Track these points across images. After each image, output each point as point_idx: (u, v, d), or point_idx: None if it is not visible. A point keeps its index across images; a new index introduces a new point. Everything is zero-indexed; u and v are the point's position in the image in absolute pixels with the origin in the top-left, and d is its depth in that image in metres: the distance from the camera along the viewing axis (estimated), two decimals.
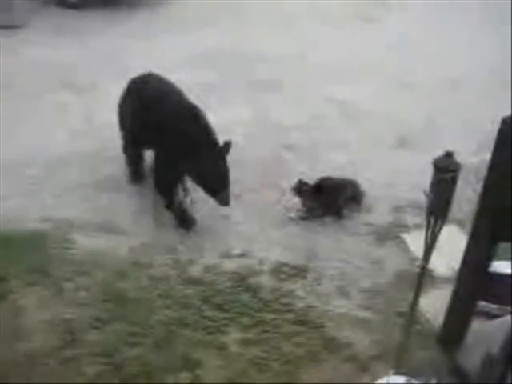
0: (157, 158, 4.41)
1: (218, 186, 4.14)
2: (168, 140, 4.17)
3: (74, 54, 6.54)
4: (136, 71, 6.17)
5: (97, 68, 6.25)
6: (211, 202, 4.23)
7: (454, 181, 2.69)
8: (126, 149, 4.70)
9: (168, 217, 4.32)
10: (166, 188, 4.32)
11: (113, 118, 4.69)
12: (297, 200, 4.47)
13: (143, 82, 4.58)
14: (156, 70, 6.03)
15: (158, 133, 4.22)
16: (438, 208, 2.75)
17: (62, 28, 7.11)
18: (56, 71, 6.10)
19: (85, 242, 4.05)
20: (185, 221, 4.27)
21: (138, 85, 4.58)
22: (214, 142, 4.16)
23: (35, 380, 3.07)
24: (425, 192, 2.73)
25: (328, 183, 4.49)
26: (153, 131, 4.26)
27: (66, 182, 4.64)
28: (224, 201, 4.15)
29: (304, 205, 4.46)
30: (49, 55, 6.43)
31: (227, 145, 4.13)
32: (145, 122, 4.32)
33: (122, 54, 6.59)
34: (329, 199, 4.44)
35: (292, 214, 4.46)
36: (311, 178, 4.49)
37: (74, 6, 7.75)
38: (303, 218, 4.43)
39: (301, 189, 4.44)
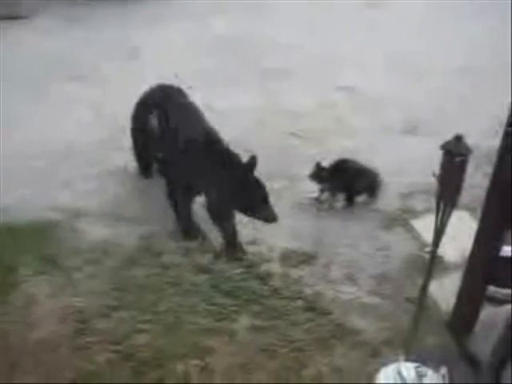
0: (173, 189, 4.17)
1: (257, 203, 3.85)
2: (189, 169, 3.95)
3: (82, 44, 6.53)
4: (145, 61, 6.23)
5: (105, 58, 6.24)
6: None
7: (463, 165, 2.66)
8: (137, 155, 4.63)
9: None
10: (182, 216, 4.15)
11: (120, 108, 4.69)
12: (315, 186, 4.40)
13: (161, 98, 4.31)
14: (166, 58, 6.05)
15: (178, 159, 4.03)
16: (447, 193, 2.73)
17: (71, 18, 7.10)
18: (64, 61, 6.10)
19: (94, 231, 4.07)
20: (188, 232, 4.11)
21: (156, 100, 4.33)
22: (238, 161, 3.90)
23: (46, 368, 3.09)
24: (434, 174, 2.70)
25: (347, 165, 4.39)
26: (171, 156, 4.10)
27: (75, 171, 4.65)
28: (270, 217, 3.85)
29: (322, 190, 4.39)
30: (57, 46, 6.43)
31: (253, 159, 3.85)
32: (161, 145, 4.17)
33: (131, 43, 6.58)
34: (346, 182, 4.37)
35: (312, 202, 4.41)
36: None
37: None
38: (323, 205, 4.38)
39: (319, 174, 4.35)
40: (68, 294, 3.57)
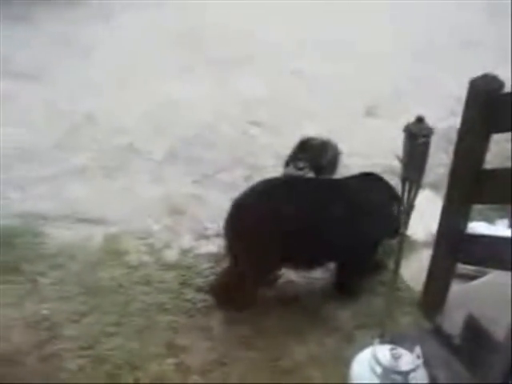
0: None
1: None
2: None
3: (28, 43, 6.33)
4: (94, 56, 6.08)
5: (51, 54, 6.07)
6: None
7: (426, 145, 2.66)
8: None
9: (140, 203, 4.25)
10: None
11: (70, 105, 4.54)
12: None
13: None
14: (116, 50, 5.88)
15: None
16: (412, 173, 2.73)
17: (14, 17, 6.87)
18: (5, 58, 5.90)
19: (56, 235, 3.94)
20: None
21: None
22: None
23: (14, 381, 2.98)
24: (398, 157, 2.70)
25: (311, 143, 4.18)
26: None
27: (31, 174, 4.49)
28: None
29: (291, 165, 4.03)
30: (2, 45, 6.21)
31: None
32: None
33: (77, 37, 6.42)
34: (313, 159, 4.18)
35: None
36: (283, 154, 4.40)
37: None
38: None
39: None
40: (34, 301, 3.44)
